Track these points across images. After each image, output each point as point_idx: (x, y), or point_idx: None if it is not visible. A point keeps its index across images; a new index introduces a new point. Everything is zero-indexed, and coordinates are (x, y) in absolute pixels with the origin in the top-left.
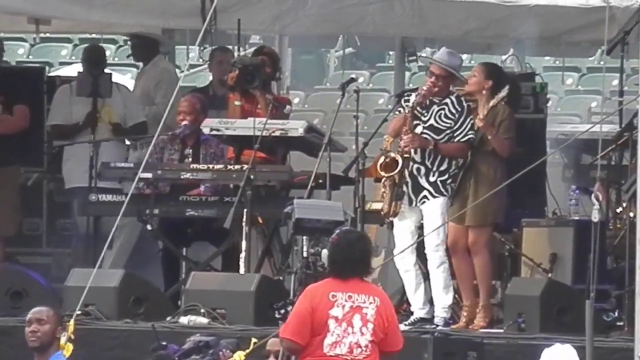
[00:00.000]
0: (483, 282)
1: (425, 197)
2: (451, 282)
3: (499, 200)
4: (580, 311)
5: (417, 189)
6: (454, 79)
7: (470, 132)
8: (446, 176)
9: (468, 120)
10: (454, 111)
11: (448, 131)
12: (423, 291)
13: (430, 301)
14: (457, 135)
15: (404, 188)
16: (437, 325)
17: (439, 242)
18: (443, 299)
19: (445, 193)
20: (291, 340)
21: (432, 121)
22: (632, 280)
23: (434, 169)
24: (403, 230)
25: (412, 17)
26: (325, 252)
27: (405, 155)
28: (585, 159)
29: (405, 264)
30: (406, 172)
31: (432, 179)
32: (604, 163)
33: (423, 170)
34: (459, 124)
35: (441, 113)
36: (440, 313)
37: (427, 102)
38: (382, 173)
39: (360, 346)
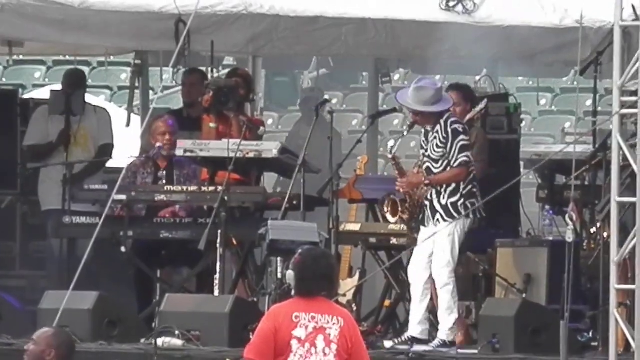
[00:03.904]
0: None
1: (438, 220)
2: (455, 304)
3: None
4: (554, 331)
5: (433, 211)
6: (430, 112)
7: (460, 155)
8: (457, 196)
9: (456, 143)
10: (442, 139)
11: (443, 159)
12: (423, 309)
13: (428, 320)
14: (451, 161)
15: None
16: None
17: (444, 264)
18: (445, 321)
19: (456, 216)
20: None
21: (429, 152)
22: (607, 300)
23: (443, 191)
24: (421, 248)
25: (385, 38)
26: (290, 273)
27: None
28: (559, 180)
29: (417, 278)
30: (421, 198)
31: (443, 201)
32: (577, 183)
33: (434, 193)
34: (448, 149)
35: (434, 143)
36: (442, 335)
37: (427, 131)
38: (389, 217)
39: None
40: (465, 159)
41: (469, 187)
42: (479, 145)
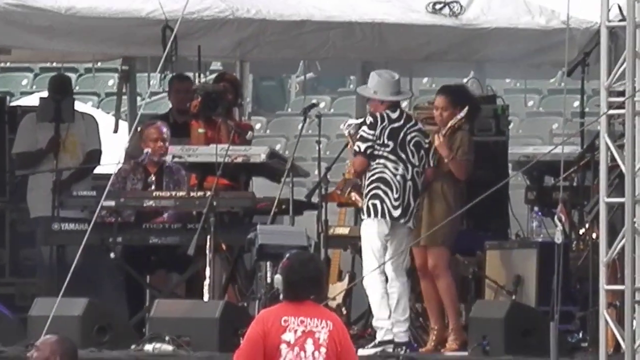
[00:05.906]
0: (449, 304)
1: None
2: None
3: (451, 223)
4: (544, 333)
5: None
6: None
7: (356, 142)
8: (363, 195)
9: (359, 131)
10: None
11: None
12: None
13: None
14: None
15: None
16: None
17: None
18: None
19: (362, 215)
20: None
21: None
22: (596, 301)
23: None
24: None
25: (373, 41)
26: (278, 278)
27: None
28: (548, 181)
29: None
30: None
31: None
32: (566, 184)
33: None
34: None
35: None
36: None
37: None
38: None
39: None
40: (355, 148)
41: (370, 187)
42: (463, 147)
